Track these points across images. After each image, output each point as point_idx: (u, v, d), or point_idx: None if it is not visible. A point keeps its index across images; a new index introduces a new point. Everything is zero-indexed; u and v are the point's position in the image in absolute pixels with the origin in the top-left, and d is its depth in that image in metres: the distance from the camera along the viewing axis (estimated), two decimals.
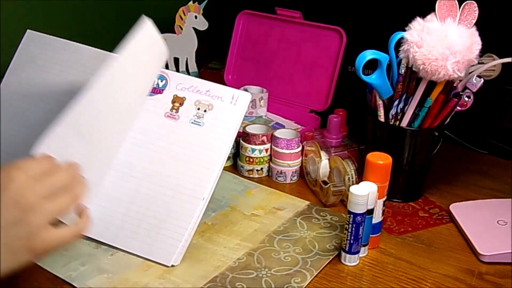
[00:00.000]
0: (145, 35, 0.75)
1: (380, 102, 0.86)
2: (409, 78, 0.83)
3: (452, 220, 0.84)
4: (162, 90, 0.78)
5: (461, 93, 0.84)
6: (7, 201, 0.55)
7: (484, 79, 0.84)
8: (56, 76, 0.81)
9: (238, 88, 1.12)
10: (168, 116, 0.77)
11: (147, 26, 0.75)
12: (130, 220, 0.72)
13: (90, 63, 0.81)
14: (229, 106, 0.76)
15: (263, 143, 0.93)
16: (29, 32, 0.84)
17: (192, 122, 0.76)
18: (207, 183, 0.73)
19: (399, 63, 0.83)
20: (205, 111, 0.76)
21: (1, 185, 0.56)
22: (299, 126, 1.07)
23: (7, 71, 0.82)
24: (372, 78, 0.83)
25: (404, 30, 0.80)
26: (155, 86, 0.78)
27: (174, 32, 1.33)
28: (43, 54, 0.83)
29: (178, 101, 0.77)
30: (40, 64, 0.82)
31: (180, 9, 1.30)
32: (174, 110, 0.77)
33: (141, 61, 0.75)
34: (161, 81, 0.79)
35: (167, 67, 1.37)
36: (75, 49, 0.83)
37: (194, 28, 1.32)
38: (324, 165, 0.88)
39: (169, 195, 0.73)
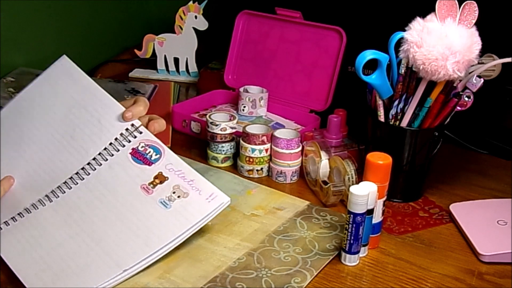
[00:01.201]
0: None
1: (380, 102, 0.86)
2: (409, 78, 0.83)
3: (452, 220, 0.84)
4: (152, 163, 0.77)
5: (461, 93, 0.84)
6: None
7: (484, 79, 0.84)
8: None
9: (237, 87, 1.13)
10: (143, 188, 0.75)
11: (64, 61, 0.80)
12: (48, 260, 0.70)
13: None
14: (203, 201, 0.74)
15: (263, 143, 0.93)
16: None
17: (161, 202, 0.74)
18: (138, 257, 0.69)
19: (399, 63, 0.83)
20: (178, 196, 0.74)
21: None
22: (299, 126, 1.07)
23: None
24: (372, 78, 0.83)
25: (404, 30, 0.80)
26: (147, 157, 0.77)
27: (174, 32, 1.33)
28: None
29: (160, 179, 0.76)
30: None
31: (180, 9, 1.31)
32: (151, 185, 0.75)
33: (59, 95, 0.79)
34: (156, 155, 0.77)
35: (167, 67, 1.37)
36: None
37: (194, 28, 1.32)
38: (324, 165, 0.88)
39: (95, 251, 0.70)
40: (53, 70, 0.84)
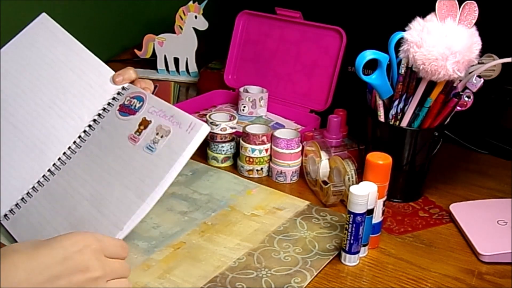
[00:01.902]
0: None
1: (380, 102, 0.86)
2: (409, 78, 0.83)
3: (452, 220, 0.84)
4: (136, 112, 0.76)
5: (461, 93, 0.84)
6: (78, 265, 0.56)
7: (484, 79, 0.84)
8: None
9: (237, 87, 1.13)
10: (130, 138, 0.74)
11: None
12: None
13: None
14: (183, 134, 0.71)
15: (263, 143, 0.93)
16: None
17: (147, 147, 0.72)
18: (131, 213, 0.68)
19: (399, 63, 0.83)
20: (161, 136, 0.72)
21: (78, 249, 0.57)
22: (299, 126, 1.07)
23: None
24: (372, 78, 0.83)
25: (404, 30, 0.80)
26: (132, 107, 0.76)
27: (174, 32, 1.33)
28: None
29: (144, 124, 0.74)
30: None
31: (180, 9, 1.30)
32: (137, 133, 0.74)
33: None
34: (139, 103, 0.76)
35: (167, 67, 1.37)
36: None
37: (194, 28, 1.32)
38: (324, 165, 0.88)
39: (98, 219, 0.70)
40: (33, 29, 0.81)
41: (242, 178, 0.94)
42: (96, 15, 1.40)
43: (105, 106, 0.78)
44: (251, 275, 0.71)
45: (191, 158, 0.97)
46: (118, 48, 1.48)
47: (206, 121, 0.96)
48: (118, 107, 0.77)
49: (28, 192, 0.74)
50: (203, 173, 0.94)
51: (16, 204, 0.74)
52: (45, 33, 0.81)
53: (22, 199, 0.74)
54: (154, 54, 1.37)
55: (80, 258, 0.56)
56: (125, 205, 0.69)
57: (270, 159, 0.94)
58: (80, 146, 0.76)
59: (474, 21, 0.78)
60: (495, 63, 0.83)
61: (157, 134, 0.73)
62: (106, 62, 1.45)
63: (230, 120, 0.96)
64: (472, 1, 0.77)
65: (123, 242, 0.63)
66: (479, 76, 0.84)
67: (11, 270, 0.54)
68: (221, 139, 0.96)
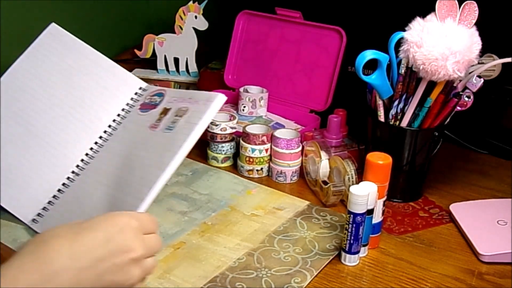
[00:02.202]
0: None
1: (380, 102, 0.86)
2: (409, 78, 0.83)
3: (452, 220, 0.84)
4: (157, 105, 0.77)
5: (461, 93, 0.84)
6: (122, 246, 0.55)
7: (484, 79, 0.84)
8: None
9: (237, 87, 1.13)
10: (151, 126, 0.75)
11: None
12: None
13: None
14: (201, 107, 0.71)
15: (263, 143, 0.93)
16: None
17: (166, 129, 0.73)
18: (152, 184, 0.67)
19: (399, 63, 0.83)
20: (180, 116, 0.73)
21: (119, 228, 0.56)
22: (299, 126, 1.07)
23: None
24: (372, 78, 0.83)
25: (404, 30, 0.80)
26: (153, 103, 0.78)
27: (174, 32, 1.33)
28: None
29: (164, 112, 0.76)
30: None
31: (180, 9, 1.30)
32: (158, 121, 0.75)
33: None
34: (159, 98, 0.78)
35: (167, 67, 1.37)
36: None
37: (194, 28, 1.32)
38: (324, 165, 0.88)
39: (116, 197, 0.70)
40: (43, 39, 0.83)
41: (242, 178, 0.94)
42: (96, 15, 1.39)
43: (124, 107, 0.79)
44: (251, 275, 0.71)
45: (191, 158, 0.98)
46: (118, 48, 1.47)
47: None
48: (139, 107, 0.79)
49: (55, 195, 0.76)
50: (203, 173, 0.94)
51: (44, 208, 0.75)
52: (56, 42, 0.83)
53: (49, 202, 0.75)
54: (154, 54, 1.36)
55: (122, 238, 0.55)
56: (147, 179, 0.69)
57: (270, 159, 0.94)
58: (102, 146, 0.78)
59: (474, 21, 0.78)
60: (495, 63, 0.83)
61: (175, 116, 0.73)
62: None
63: (230, 120, 0.96)
64: (472, 1, 0.77)
65: (153, 216, 0.61)
66: (479, 76, 0.84)
67: (54, 256, 0.52)
68: (221, 139, 0.96)
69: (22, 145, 0.78)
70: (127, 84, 0.81)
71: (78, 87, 0.80)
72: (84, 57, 0.82)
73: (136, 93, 0.81)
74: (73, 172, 0.77)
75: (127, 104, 0.80)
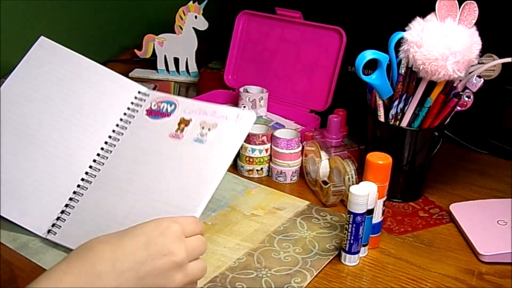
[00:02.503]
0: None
1: (380, 102, 0.86)
2: (409, 78, 0.83)
3: (452, 220, 0.84)
4: (170, 114, 0.79)
5: (461, 93, 0.84)
6: (163, 249, 0.56)
7: (484, 79, 0.84)
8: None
9: (237, 87, 1.13)
10: (172, 136, 0.77)
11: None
12: None
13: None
14: (233, 125, 0.75)
15: (263, 143, 0.93)
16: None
17: (195, 140, 0.75)
18: (202, 196, 0.70)
19: (399, 63, 0.83)
20: (209, 129, 0.75)
21: (159, 231, 0.57)
22: (299, 126, 1.07)
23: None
24: (372, 78, 0.83)
25: (404, 30, 0.80)
26: (163, 111, 0.79)
27: (174, 32, 1.33)
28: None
29: (184, 123, 0.77)
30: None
31: (180, 9, 1.30)
32: (179, 131, 0.77)
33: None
34: (170, 106, 0.79)
35: (167, 67, 1.37)
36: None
37: (194, 28, 1.32)
38: (324, 165, 0.88)
39: (163, 209, 0.71)
40: (34, 52, 0.83)
41: (242, 178, 0.94)
42: (97, 15, 1.40)
43: (126, 111, 0.80)
44: (251, 275, 0.71)
45: None
46: (118, 48, 1.48)
47: None
48: (145, 112, 0.80)
49: (68, 204, 0.75)
50: None
51: (58, 218, 0.75)
52: (47, 54, 0.84)
53: (63, 211, 0.75)
54: (154, 54, 1.37)
55: (162, 241, 0.57)
56: (191, 191, 0.71)
57: (270, 159, 0.94)
58: (111, 151, 0.78)
59: (474, 21, 0.78)
60: (495, 63, 0.83)
61: (202, 128, 0.75)
62: (106, 62, 1.46)
63: None
64: (472, 1, 0.77)
65: (196, 217, 0.63)
66: (479, 76, 0.84)
67: (98, 260, 0.55)
68: None
69: (25, 158, 0.78)
70: (125, 89, 0.82)
71: (75, 95, 0.81)
72: (78, 66, 0.83)
73: (136, 97, 0.82)
74: (83, 179, 0.77)
75: (129, 109, 0.81)
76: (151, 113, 0.80)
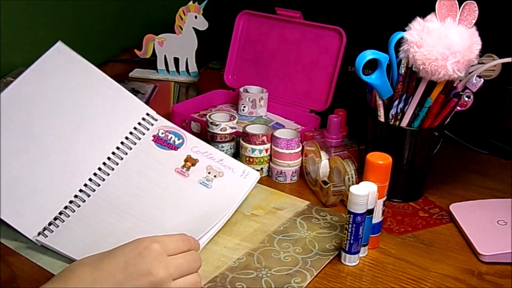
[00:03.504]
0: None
1: (380, 102, 0.86)
2: (409, 78, 0.83)
3: (452, 220, 0.84)
4: (177, 147, 0.81)
5: (461, 93, 0.84)
6: (141, 270, 0.57)
7: (484, 79, 0.84)
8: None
9: (237, 87, 1.13)
10: (178, 171, 0.79)
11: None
12: None
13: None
14: (238, 178, 0.80)
15: (263, 143, 0.93)
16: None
17: (201, 183, 0.78)
18: (202, 232, 0.72)
19: (399, 63, 0.83)
20: (215, 176, 0.79)
21: (138, 252, 0.58)
22: (299, 126, 1.07)
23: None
24: (372, 78, 0.83)
25: (404, 30, 0.80)
26: (171, 142, 0.81)
27: (174, 32, 1.33)
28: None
29: (190, 161, 0.80)
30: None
31: (180, 9, 1.31)
32: (185, 168, 0.79)
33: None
34: (178, 139, 0.82)
35: (167, 67, 1.37)
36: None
37: (194, 28, 1.32)
38: (324, 165, 0.88)
39: (155, 233, 0.72)
40: (50, 56, 0.83)
41: None
42: (97, 15, 1.40)
43: (132, 131, 0.82)
44: (251, 275, 0.71)
45: None
46: (118, 48, 1.48)
47: (206, 121, 0.96)
48: (152, 138, 0.82)
49: (63, 212, 0.75)
50: None
51: (51, 223, 0.74)
52: (63, 60, 0.83)
53: (56, 218, 0.75)
54: (154, 54, 1.37)
55: (141, 262, 0.57)
56: (192, 227, 0.73)
57: (270, 159, 0.94)
58: (113, 169, 0.79)
59: (474, 21, 0.78)
60: (495, 63, 0.83)
61: (208, 173, 0.79)
62: (106, 62, 1.46)
63: (230, 120, 0.96)
64: (472, 1, 0.77)
65: (184, 235, 0.63)
66: (479, 76, 0.84)
67: (78, 283, 0.56)
68: (221, 139, 0.96)
69: (27, 160, 0.77)
70: (134, 108, 0.83)
71: (84, 105, 0.81)
72: (91, 77, 0.83)
73: (143, 119, 0.83)
74: (81, 190, 0.77)
75: (135, 129, 0.82)
76: (158, 141, 0.81)
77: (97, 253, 0.60)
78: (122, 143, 0.80)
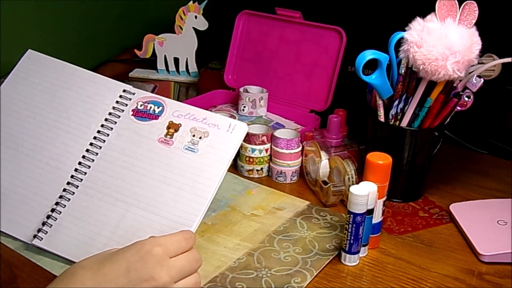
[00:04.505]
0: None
1: (380, 102, 0.86)
2: (409, 78, 0.83)
3: (452, 220, 0.84)
4: (158, 116, 0.77)
5: (461, 93, 0.84)
6: (143, 275, 0.56)
7: (484, 79, 0.84)
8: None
9: (237, 87, 1.13)
10: (161, 141, 0.76)
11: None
12: (113, 244, 0.69)
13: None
14: (225, 134, 0.74)
15: (263, 143, 0.93)
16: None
17: (186, 148, 0.74)
18: (197, 211, 0.70)
19: (399, 63, 0.83)
20: (200, 138, 0.75)
21: (139, 257, 0.57)
22: (299, 126, 1.07)
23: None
24: (372, 78, 0.83)
25: (404, 30, 0.80)
26: (150, 112, 0.78)
27: (174, 32, 1.33)
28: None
29: (173, 127, 0.76)
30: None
31: (180, 9, 1.31)
32: (168, 136, 0.76)
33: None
34: (157, 108, 0.78)
35: (167, 67, 1.37)
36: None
37: (194, 28, 1.32)
38: (324, 165, 0.88)
39: (156, 221, 0.71)
40: (22, 65, 0.85)
41: (242, 178, 0.94)
42: (97, 15, 1.40)
43: (111, 111, 0.79)
44: (251, 275, 0.71)
45: None
46: (118, 48, 1.48)
47: None
48: (131, 112, 0.79)
49: (54, 209, 0.75)
50: None
51: (44, 223, 0.74)
52: (34, 65, 0.85)
53: (49, 216, 0.74)
54: (154, 54, 1.37)
55: (143, 267, 0.56)
56: (185, 204, 0.71)
57: (270, 159, 0.94)
58: (97, 153, 0.77)
59: (474, 21, 0.78)
60: (495, 63, 0.83)
61: (193, 136, 0.75)
62: (106, 62, 1.46)
63: None
64: (472, 1, 0.77)
65: (186, 232, 0.62)
66: (479, 76, 0.84)
67: (78, 287, 0.55)
68: None
69: (13, 167, 0.78)
70: (109, 89, 0.81)
71: (61, 101, 0.81)
72: (63, 73, 0.83)
73: (121, 96, 0.81)
74: (69, 183, 0.76)
75: (114, 108, 0.80)
76: (138, 113, 0.78)
77: (97, 254, 0.60)
78: (102, 126, 0.79)
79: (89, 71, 0.83)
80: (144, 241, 0.59)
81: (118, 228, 0.71)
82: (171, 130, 0.76)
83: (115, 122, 0.79)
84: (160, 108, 0.78)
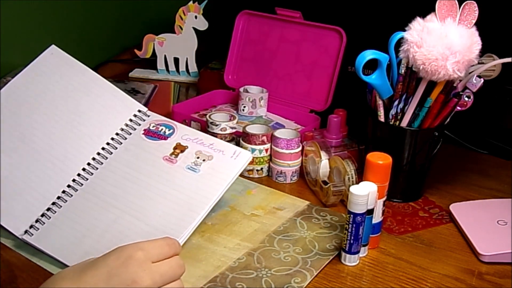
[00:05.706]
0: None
1: (380, 102, 0.86)
2: (409, 78, 0.83)
3: (452, 220, 0.84)
4: (167, 137, 0.81)
5: (461, 93, 0.84)
6: (125, 279, 0.55)
7: (484, 79, 0.84)
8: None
9: (237, 87, 1.13)
10: (166, 159, 0.78)
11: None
12: (100, 247, 0.68)
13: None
14: (228, 160, 0.78)
15: (263, 143, 0.93)
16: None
17: (188, 168, 0.77)
18: (187, 224, 0.72)
19: (399, 63, 0.83)
20: (204, 160, 0.78)
21: (121, 262, 0.56)
22: (299, 126, 1.07)
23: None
24: (372, 78, 0.83)
25: (404, 30, 0.80)
26: (161, 133, 0.81)
27: (174, 32, 1.33)
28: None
29: (179, 148, 0.79)
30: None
31: (180, 9, 1.31)
32: (173, 155, 0.79)
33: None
34: (168, 130, 0.81)
35: (167, 67, 1.37)
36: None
37: (194, 28, 1.32)
38: (324, 165, 0.88)
39: (145, 230, 0.71)
40: (44, 58, 0.84)
41: (242, 178, 0.94)
42: (97, 15, 1.40)
43: (123, 127, 0.82)
44: (251, 275, 0.71)
45: None
46: (118, 48, 1.48)
47: (206, 121, 0.96)
48: (142, 131, 0.82)
49: (50, 208, 0.75)
50: None
51: (38, 220, 0.74)
52: (56, 62, 0.85)
53: (44, 215, 0.75)
54: (154, 54, 1.37)
55: (125, 271, 0.55)
56: (176, 217, 0.72)
57: (270, 159, 0.94)
58: (102, 163, 0.79)
59: (474, 21, 0.78)
60: (495, 63, 0.83)
61: (197, 158, 0.78)
62: (106, 62, 1.46)
63: (230, 120, 0.96)
64: (472, 1, 0.77)
65: (169, 239, 0.62)
66: (479, 76, 0.84)
67: None
68: (221, 139, 0.95)
69: (17, 157, 0.78)
70: (126, 106, 0.84)
71: (77, 105, 0.82)
72: (84, 77, 0.84)
73: (135, 115, 0.83)
74: (69, 186, 0.77)
75: (126, 125, 0.82)
76: (148, 133, 0.81)
77: (77, 264, 0.59)
78: (112, 139, 0.81)
79: (109, 83, 0.85)
80: (126, 246, 0.58)
81: (107, 232, 0.72)
82: (177, 151, 0.79)
83: (125, 138, 0.81)
84: (171, 130, 0.81)
